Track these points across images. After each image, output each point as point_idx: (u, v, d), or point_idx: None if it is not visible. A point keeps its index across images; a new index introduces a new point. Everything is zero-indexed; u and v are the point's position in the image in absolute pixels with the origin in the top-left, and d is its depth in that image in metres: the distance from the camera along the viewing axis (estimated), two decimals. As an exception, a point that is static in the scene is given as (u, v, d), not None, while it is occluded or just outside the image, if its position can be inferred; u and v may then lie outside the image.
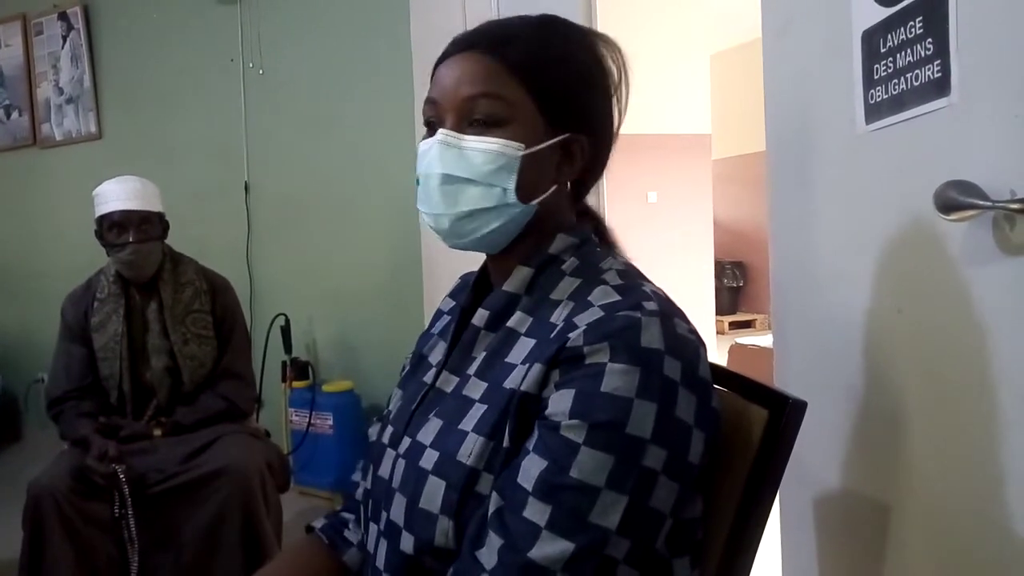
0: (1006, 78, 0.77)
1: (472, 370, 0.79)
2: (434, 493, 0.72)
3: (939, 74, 0.84)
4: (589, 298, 0.72)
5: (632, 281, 0.74)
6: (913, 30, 0.88)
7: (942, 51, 0.84)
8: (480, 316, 0.81)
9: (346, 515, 0.96)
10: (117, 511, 1.80)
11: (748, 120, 5.18)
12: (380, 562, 0.78)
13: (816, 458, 1.11)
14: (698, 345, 0.71)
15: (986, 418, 0.81)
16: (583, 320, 0.69)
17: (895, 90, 0.92)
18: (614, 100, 0.83)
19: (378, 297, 3.28)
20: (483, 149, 0.75)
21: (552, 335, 0.71)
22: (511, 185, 0.75)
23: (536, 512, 0.65)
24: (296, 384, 3.18)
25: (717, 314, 5.85)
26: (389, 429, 0.85)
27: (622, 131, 0.87)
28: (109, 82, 3.85)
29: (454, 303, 0.96)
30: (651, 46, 4.54)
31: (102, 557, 1.81)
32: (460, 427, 0.74)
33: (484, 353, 0.79)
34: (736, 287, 7.43)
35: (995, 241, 0.79)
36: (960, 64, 0.82)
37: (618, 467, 0.64)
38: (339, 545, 0.92)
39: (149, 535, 1.84)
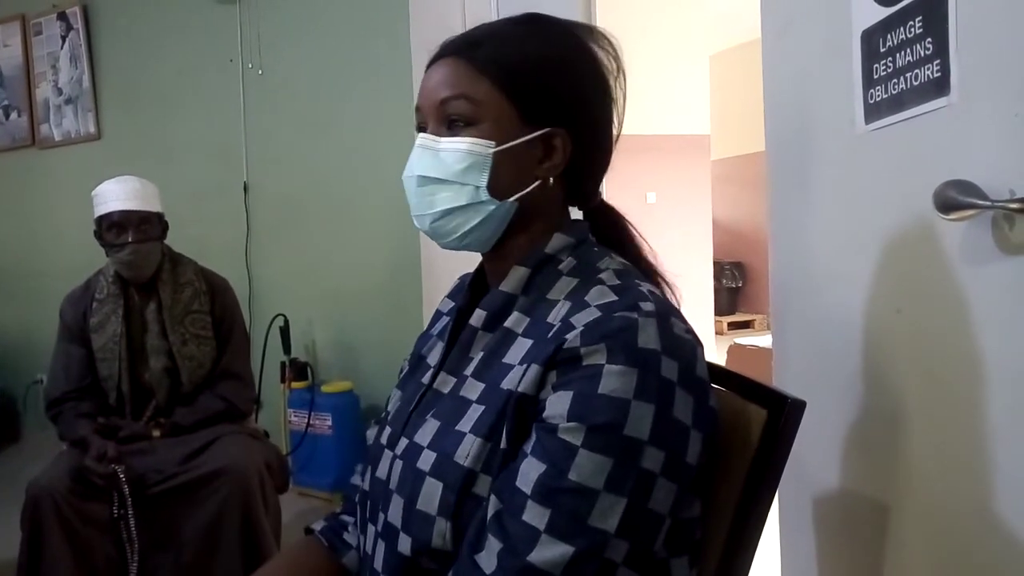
0: (1006, 78, 0.77)
1: (469, 371, 0.78)
2: (431, 494, 0.72)
3: (938, 74, 0.84)
4: (586, 298, 0.72)
5: (629, 281, 0.74)
6: (913, 30, 0.88)
7: (942, 51, 0.84)
8: (477, 317, 0.81)
9: (345, 518, 0.96)
10: (116, 512, 1.80)
11: (747, 121, 5.18)
12: (378, 563, 0.77)
13: (815, 458, 1.11)
14: (695, 345, 0.71)
15: (985, 418, 0.81)
16: (580, 320, 0.69)
17: (895, 90, 0.92)
18: (609, 92, 0.83)
19: (377, 298, 3.27)
20: (454, 149, 0.76)
21: (549, 335, 0.71)
22: (483, 183, 0.76)
23: (535, 515, 0.64)
24: (295, 385, 3.18)
25: (716, 314, 5.86)
26: (387, 430, 0.85)
27: (621, 132, 0.86)
28: (108, 82, 3.85)
29: (453, 304, 0.96)
30: (650, 47, 4.54)
31: (101, 557, 1.81)
32: (457, 428, 0.73)
33: (481, 354, 0.79)
34: (735, 287, 7.42)
35: (994, 241, 0.79)
36: (960, 64, 0.82)
37: (616, 469, 0.64)
38: (338, 547, 0.92)
39: (148, 536, 1.83)
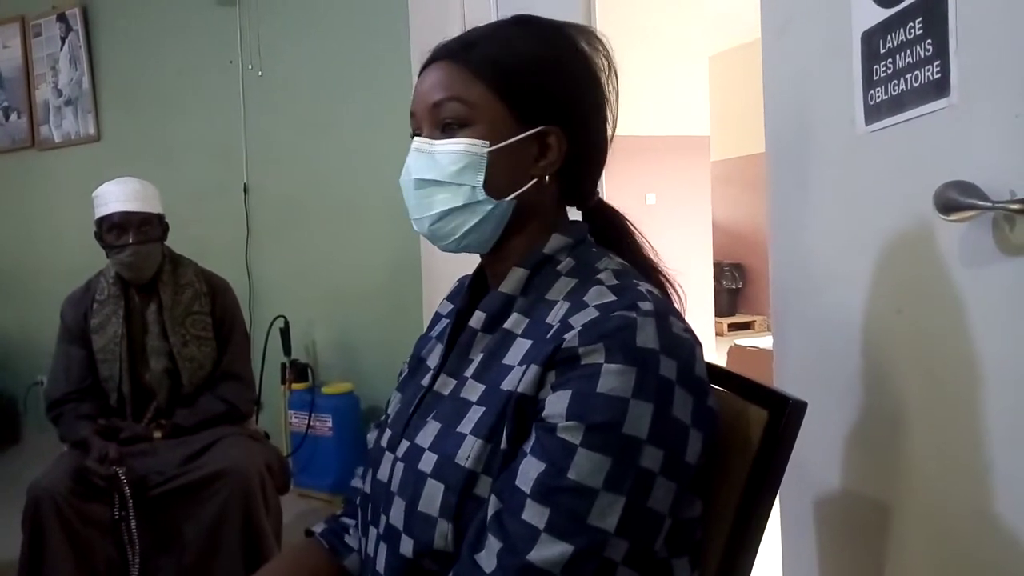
0: (1006, 78, 0.77)
1: (469, 372, 0.79)
2: (433, 496, 0.72)
3: (939, 75, 0.84)
4: (584, 298, 0.72)
5: (627, 281, 0.74)
6: (913, 31, 0.88)
7: (942, 52, 0.84)
8: (477, 318, 0.81)
9: (346, 520, 0.96)
10: (117, 513, 1.80)
11: (746, 122, 5.19)
12: (380, 566, 0.77)
13: (816, 459, 1.11)
14: (694, 344, 0.71)
15: (986, 418, 0.81)
16: (579, 320, 0.69)
17: (895, 91, 0.92)
18: (602, 90, 0.83)
19: (377, 299, 3.27)
20: (449, 150, 0.77)
21: (548, 335, 0.71)
22: (479, 182, 0.76)
23: (534, 514, 0.64)
24: (295, 386, 3.18)
25: (716, 316, 5.87)
26: (387, 432, 0.85)
27: (620, 133, 0.87)
28: (108, 84, 3.86)
29: (452, 306, 0.96)
30: (650, 48, 4.54)
31: (102, 559, 1.80)
32: (458, 430, 0.74)
33: (481, 355, 0.79)
34: (735, 289, 7.43)
35: (995, 241, 0.79)
36: (960, 65, 0.82)
37: (615, 468, 0.64)
38: (340, 550, 0.92)
39: (149, 537, 1.83)
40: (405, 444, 0.79)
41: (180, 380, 2.06)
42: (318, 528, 0.95)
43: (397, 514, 0.75)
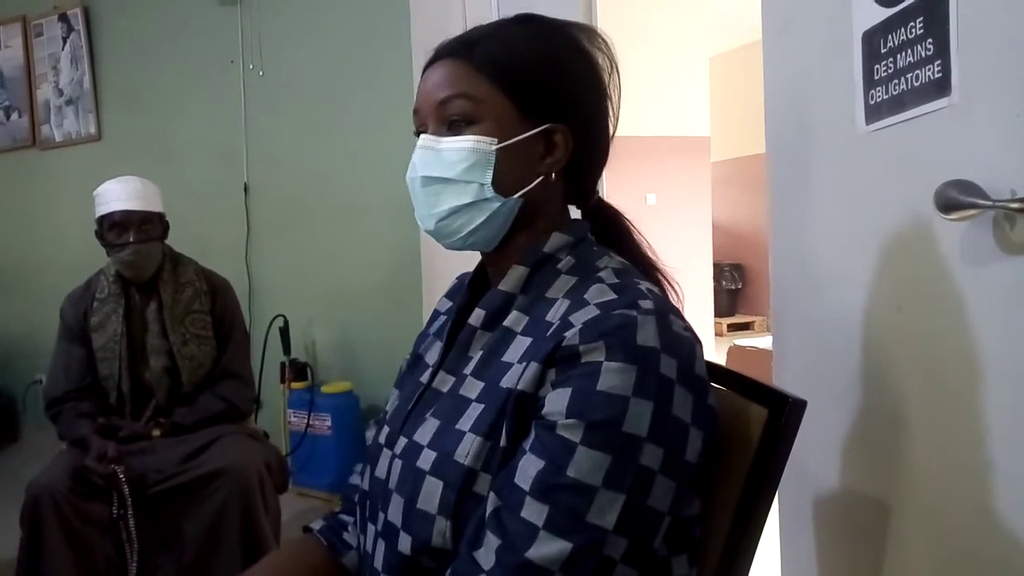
0: (1006, 78, 0.77)
1: (469, 370, 0.79)
2: (432, 493, 0.71)
3: (939, 74, 0.84)
4: (585, 296, 0.72)
5: (628, 280, 0.74)
6: (913, 30, 0.88)
7: (942, 51, 0.84)
8: (476, 316, 0.81)
9: (344, 517, 0.95)
10: (116, 512, 1.80)
11: (747, 122, 5.19)
12: (378, 563, 0.77)
13: (816, 457, 1.11)
14: (694, 343, 0.71)
15: (986, 417, 0.81)
16: (579, 318, 0.69)
17: (895, 90, 0.92)
18: (605, 88, 0.83)
19: (377, 298, 3.28)
20: (457, 148, 0.76)
21: (548, 333, 0.71)
22: (487, 180, 0.76)
23: (533, 512, 0.64)
24: (295, 385, 3.18)
25: (715, 316, 5.86)
26: (386, 429, 0.85)
27: (621, 133, 0.87)
28: (109, 83, 3.86)
29: (450, 303, 0.96)
30: (650, 48, 4.54)
31: (100, 557, 1.80)
32: (457, 427, 0.73)
33: (481, 352, 0.79)
34: (735, 289, 7.43)
35: (995, 241, 0.79)
36: (960, 64, 0.82)
37: (615, 466, 0.64)
38: (338, 547, 0.92)
39: (148, 536, 1.83)
40: (403, 441, 0.79)
41: (180, 379, 2.06)
42: (316, 525, 0.95)
43: (395, 511, 0.75)
